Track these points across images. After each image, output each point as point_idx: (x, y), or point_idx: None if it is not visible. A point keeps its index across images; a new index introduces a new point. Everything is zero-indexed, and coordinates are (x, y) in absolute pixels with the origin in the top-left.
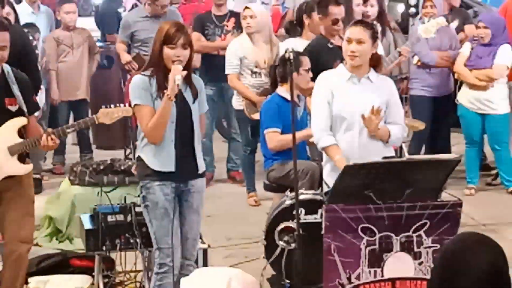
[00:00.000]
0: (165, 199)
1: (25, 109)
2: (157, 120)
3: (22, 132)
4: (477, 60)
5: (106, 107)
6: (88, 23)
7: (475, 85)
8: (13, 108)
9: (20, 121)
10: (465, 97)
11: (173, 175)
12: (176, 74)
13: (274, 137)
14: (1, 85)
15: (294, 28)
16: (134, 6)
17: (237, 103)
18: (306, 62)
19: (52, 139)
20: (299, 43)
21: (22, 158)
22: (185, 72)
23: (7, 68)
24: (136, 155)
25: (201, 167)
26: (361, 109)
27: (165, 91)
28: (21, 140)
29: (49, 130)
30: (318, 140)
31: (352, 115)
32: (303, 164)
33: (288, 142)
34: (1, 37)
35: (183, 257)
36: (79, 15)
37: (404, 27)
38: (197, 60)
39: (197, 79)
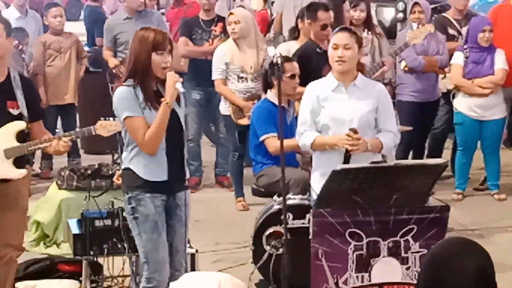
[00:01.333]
0: (156, 211)
1: (26, 114)
2: (156, 130)
3: (22, 136)
4: (477, 67)
5: (105, 119)
6: (76, 28)
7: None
8: (15, 112)
9: (18, 125)
10: (464, 105)
11: (164, 186)
12: (176, 81)
13: (273, 143)
14: (5, 88)
15: (293, 32)
16: None
17: (224, 108)
18: (290, 68)
19: (65, 142)
20: (292, 47)
21: (20, 163)
22: (181, 79)
23: (14, 72)
24: (123, 167)
25: (187, 175)
26: (348, 118)
27: (161, 99)
28: (18, 144)
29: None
30: (301, 143)
31: (340, 124)
32: (295, 173)
33: (288, 147)
34: None
35: (173, 268)
36: (67, 20)
37: (392, 32)
38: (184, 65)
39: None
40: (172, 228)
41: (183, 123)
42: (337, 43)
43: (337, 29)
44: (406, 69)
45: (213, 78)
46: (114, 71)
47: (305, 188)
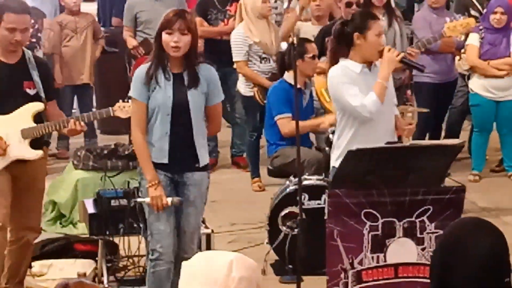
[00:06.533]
0: None
1: (42, 94)
2: (139, 157)
3: (39, 117)
4: (493, 49)
5: (123, 101)
6: (93, 8)
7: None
8: (31, 92)
9: (36, 106)
10: (480, 86)
11: (166, 166)
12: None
13: (286, 123)
14: (20, 68)
15: None
16: None
17: (245, 90)
18: (311, 49)
19: (80, 124)
20: (303, 28)
21: (37, 144)
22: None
23: (28, 54)
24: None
25: (202, 160)
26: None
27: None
28: (35, 124)
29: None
30: (369, 108)
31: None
32: (309, 154)
33: (302, 128)
34: (21, 20)
35: (181, 249)
36: (85, 0)
37: (409, 14)
38: (200, 45)
39: (206, 68)
40: (179, 207)
41: (193, 108)
42: (381, 31)
43: (370, 15)
44: (422, 50)
45: (235, 60)
46: (132, 52)
47: (319, 169)
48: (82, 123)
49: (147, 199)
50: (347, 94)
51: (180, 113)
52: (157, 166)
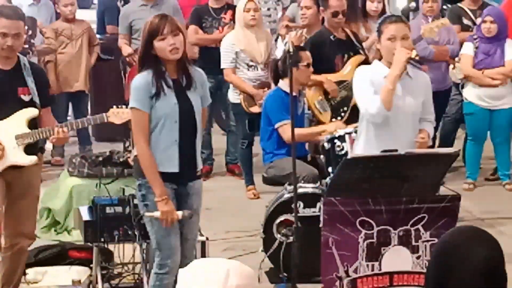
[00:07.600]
0: None
1: (37, 101)
2: (142, 163)
3: (33, 123)
4: (487, 58)
5: (117, 107)
6: (88, 16)
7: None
8: (26, 98)
9: (31, 112)
10: (474, 95)
11: (174, 176)
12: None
13: (288, 130)
14: (15, 74)
15: None
16: None
17: (233, 96)
18: (306, 57)
19: (63, 131)
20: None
21: (32, 150)
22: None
23: (24, 60)
24: (134, 153)
25: (199, 166)
26: (403, 106)
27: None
28: (29, 130)
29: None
30: (375, 111)
31: (395, 112)
32: (305, 170)
33: (303, 136)
34: (13, 25)
35: (183, 256)
36: (79, 8)
37: None
38: (197, 52)
39: (198, 72)
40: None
41: (197, 114)
42: (395, 34)
43: (386, 19)
44: (416, 58)
45: (222, 67)
46: (127, 59)
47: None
48: (65, 129)
49: (157, 214)
50: (360, 93)
51: (186, 119)
52: (165, 177)
